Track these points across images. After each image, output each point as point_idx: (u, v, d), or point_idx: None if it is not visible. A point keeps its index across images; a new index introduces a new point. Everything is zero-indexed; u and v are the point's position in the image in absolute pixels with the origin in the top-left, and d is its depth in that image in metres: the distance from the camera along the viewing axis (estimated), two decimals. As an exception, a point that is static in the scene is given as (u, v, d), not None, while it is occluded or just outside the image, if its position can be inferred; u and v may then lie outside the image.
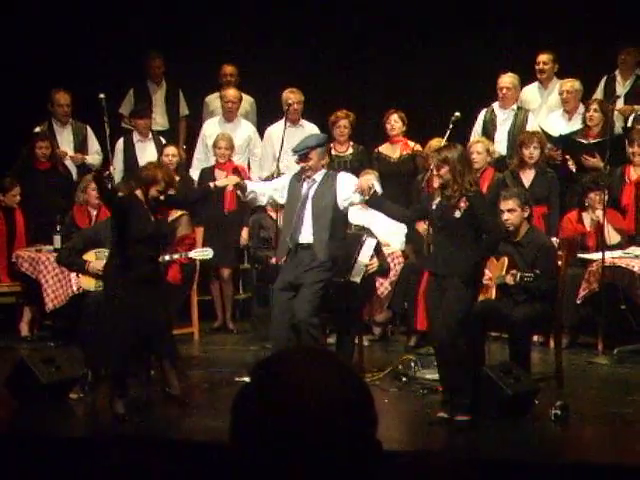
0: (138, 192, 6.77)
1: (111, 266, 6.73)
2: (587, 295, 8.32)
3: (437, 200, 6.60)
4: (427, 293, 6.86)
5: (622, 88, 9.94)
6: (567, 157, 9.24)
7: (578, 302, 8.33)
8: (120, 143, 10.07)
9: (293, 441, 1.64)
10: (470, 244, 6.50)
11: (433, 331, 6.67)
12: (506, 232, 7.24)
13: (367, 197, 7.01)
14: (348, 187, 7.16)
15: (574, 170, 9.16)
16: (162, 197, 6.71)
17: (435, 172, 6.65)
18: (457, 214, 6.45)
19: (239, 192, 7.50)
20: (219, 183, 7.60)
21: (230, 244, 9.39)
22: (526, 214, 7.37)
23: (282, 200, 7.44)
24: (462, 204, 6.44)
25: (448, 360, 6.50)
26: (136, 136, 10.12)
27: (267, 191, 7.47)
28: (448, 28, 10.41)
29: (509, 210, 7.31)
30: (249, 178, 7.73)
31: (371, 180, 7.19)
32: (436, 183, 6.78)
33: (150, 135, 10.13)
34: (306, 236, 7.12)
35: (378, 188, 7.05)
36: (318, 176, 7.24)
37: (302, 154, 7.19)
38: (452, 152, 6.55)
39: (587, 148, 9.05)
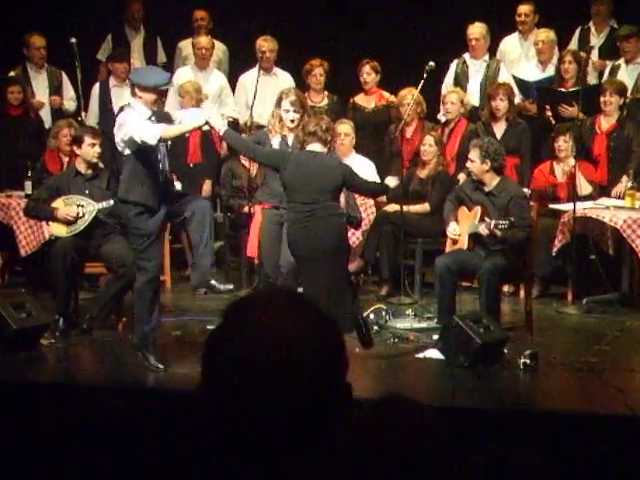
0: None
1: None
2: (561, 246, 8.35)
3: None
4: None
5: (596, 39, 9.90)
6: (546, 107, 9.20)
7: (554, 254, 8.35)
8: (96, 87, 9.95)
9: (263, 380, 1.64)
10: None
11: None
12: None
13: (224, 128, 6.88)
14: None
15: (553, 121, 9.14)
16: None
17: None
18: None
19: None
20: None
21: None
22: (485, 167, 7.37)
23: None
24: None
25: None
26: (112, 81, 10.00)
27: None
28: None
29: (470, 160, 7.43)
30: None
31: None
32: None
33: (127, 81, 9.99)
34: None
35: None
36: None
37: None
38: None
39: (564, 97, 8.98)
